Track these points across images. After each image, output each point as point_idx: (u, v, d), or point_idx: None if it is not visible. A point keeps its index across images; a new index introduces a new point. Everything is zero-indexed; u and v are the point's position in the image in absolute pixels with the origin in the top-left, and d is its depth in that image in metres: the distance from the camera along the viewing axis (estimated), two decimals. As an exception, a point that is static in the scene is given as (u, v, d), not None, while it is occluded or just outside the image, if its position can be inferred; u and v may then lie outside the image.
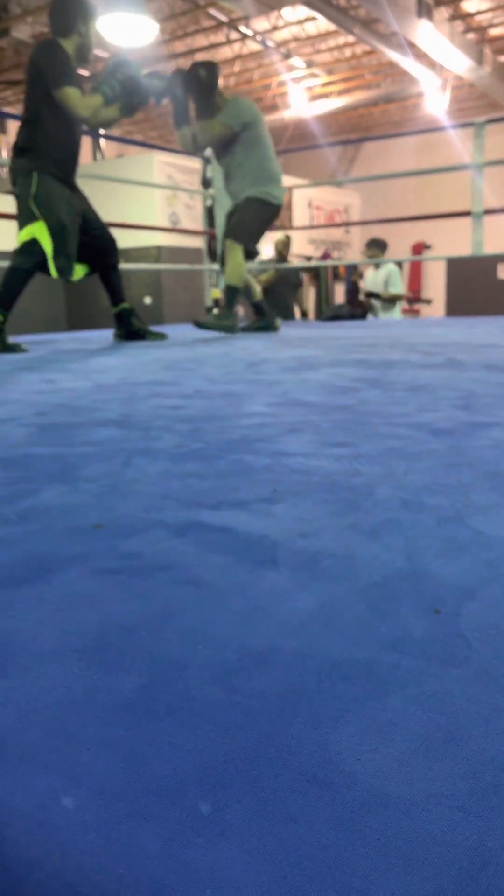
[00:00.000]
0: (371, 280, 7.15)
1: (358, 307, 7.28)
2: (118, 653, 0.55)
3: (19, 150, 3.35)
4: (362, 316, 7.18)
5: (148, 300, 9.32)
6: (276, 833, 0.37)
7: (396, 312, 7.15)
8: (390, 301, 7.02)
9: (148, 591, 0.66)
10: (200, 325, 4.13)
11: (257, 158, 4.11)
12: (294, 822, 0.37)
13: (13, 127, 12.33)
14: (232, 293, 4.15)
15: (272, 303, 7.20)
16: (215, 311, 6.44)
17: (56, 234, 3.34)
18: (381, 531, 0.80)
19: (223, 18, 11.04)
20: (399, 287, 7.04)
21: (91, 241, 3.61)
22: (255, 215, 4.19)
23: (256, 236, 4.26)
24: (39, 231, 3.33)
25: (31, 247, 3.34)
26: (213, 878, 0.34)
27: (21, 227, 3.38)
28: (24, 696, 0.50)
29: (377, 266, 7.06)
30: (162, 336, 4.03)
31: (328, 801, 0.39)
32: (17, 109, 14.18)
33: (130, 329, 3.96)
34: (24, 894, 0.34)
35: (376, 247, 6.93)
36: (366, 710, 0.47)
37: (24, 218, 3.37)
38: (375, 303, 7.17)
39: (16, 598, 0.65)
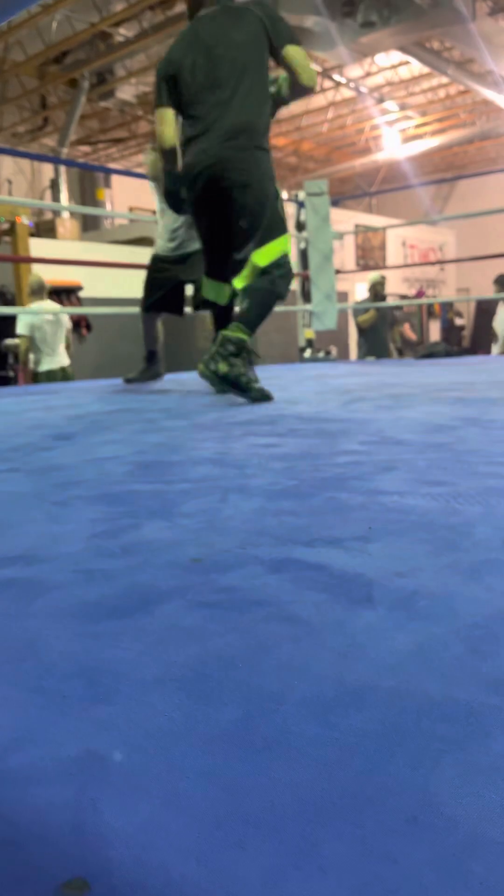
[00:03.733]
0: (500, 317, 6.97)
1: (455, 345, 7.16)
2: (216, 684, 0.56)
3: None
4: (458, 354, 7.04)
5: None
6: (376, 872, 0.36)
7: None
8: None
9: (245, 625, 0.67)
10: (129, 381, 4.11)
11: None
12: (394, 862, 0.37)
13: (117, 182, 13.02)
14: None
15: (371, 341, 7.19)
16: (308, 351, 6.50)
17: None
18: (482, 571, 0.79)
19: (317, 67, 11.34)
20: None
21: None
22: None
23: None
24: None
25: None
26: (312, 912, 0.34)
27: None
28: (128, 723, 0.51)
29: None
30: None
31: (429, 843, 0.38)
32: (121, 165, 14.97)
33: None
34: (128, 914, 0.35)
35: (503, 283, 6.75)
36: (467, 752, 0.46)
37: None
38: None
39: (120, 629, 0.68)
